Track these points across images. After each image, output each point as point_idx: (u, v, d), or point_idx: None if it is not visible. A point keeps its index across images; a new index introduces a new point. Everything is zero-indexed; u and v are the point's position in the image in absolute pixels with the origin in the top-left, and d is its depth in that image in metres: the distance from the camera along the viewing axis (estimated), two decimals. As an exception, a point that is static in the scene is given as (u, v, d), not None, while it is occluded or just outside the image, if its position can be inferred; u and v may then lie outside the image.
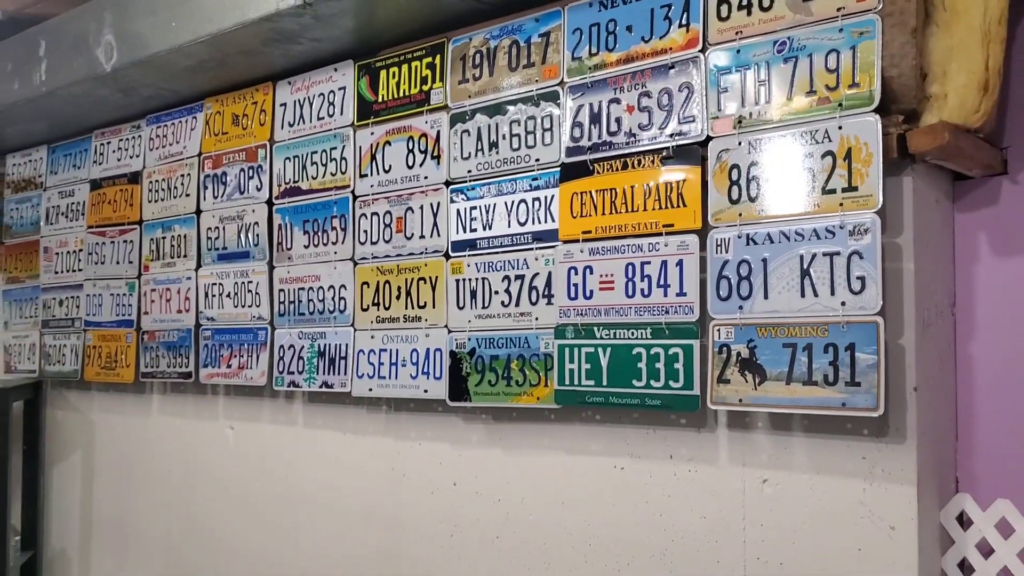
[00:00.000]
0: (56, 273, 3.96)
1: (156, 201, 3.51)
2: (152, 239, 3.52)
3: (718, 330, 2.06)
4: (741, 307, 2.03)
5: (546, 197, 2.38)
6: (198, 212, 3.34)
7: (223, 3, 2.73)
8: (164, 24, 2.93)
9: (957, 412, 2.12)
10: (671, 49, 2.17)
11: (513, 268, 2.44)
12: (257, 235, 3.13)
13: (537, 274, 2.39)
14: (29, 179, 4.14)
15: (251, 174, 3.17)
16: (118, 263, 3.66)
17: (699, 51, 2.13)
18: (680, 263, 2.13)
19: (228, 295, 3.22)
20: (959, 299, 2.12)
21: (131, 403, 3.76)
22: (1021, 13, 2.06)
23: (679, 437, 2.24)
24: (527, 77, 2.44)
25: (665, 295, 2.15)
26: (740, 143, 2.05)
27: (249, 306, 3.16)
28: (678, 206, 2.14)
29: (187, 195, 3.39)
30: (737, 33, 2.07)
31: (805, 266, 1.94)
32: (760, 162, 2.02)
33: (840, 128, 1.90)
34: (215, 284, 3.27)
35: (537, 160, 2.41)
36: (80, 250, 3.84)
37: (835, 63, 1.92)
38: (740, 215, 2.04)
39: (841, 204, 1.90)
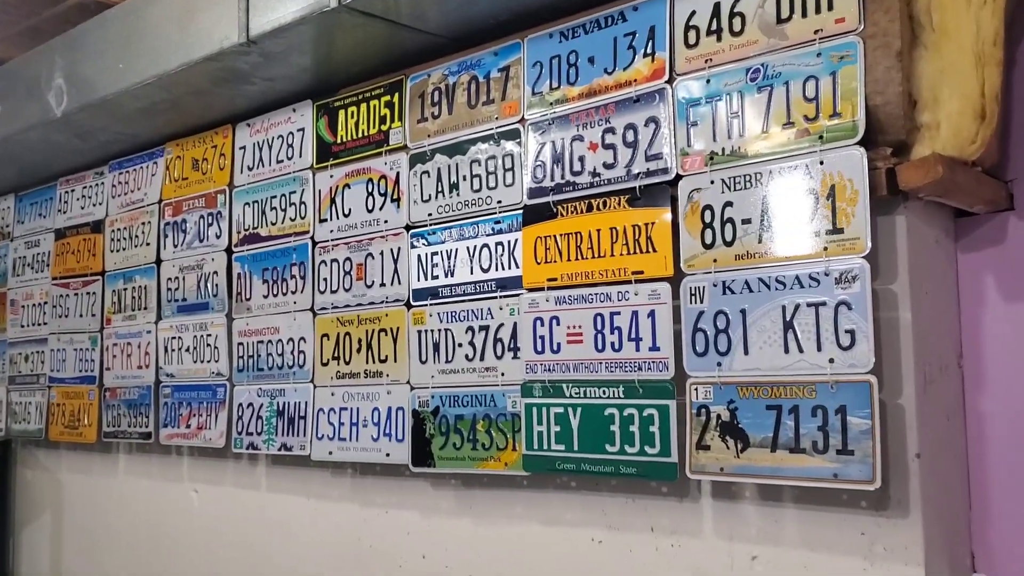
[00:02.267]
0: (23, 327, 3.80)
1: (118, 251, 3.34)
2: (114, 290, 3.35)
3: (695, 389, 1.85)
4: (720, 364, 1.82)
5: (509, 241, 2.19)
6: (158, 262, 3.17)
7: (168, 44, 2.57)
8: (112, 66, 2.77)
9: (969, 478, 1.88)
10: (636, 81, 1.98)
11: (477, 318, 2.24)
12: (216, 285, 2.95)
13: (502, 325, 2.19)
14: (-3, 229, 3.99)
15: (211, 221, 2.99)
16: (81, 316, 3.49)
17: (665, 82, 1.94)
18: (652, 314, 1.92)
19: (187, 349, 3.04)
20: (966, 350, 1.90)
21: (98, 463, 3.57)
22: (1020, 34, 1.86)
23: (660, 507, 2.01)
24: (487, 114, 2.26)
25: (637, 349, 1.94)
26: (713, 181, 1.85)
27: (208, 361, 2.97)
28: (648, 251, 1.93)
29: (147, 244, 3.22)
30: (707, 61, 1.88)
31: (788, 318, 1.73)
32: (736, 202, 1.81)
33: (822, 163, 1.70)
34: (174, 338, 3.08)
35: (499, 202, 2.22)
36: (45, 302, 3.68)
37: (814, 91, 1.73)
38: (715, 261, 1.83)
39: (825, 248, 1.69)
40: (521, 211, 2.17)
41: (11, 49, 3.32)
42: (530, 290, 2.14)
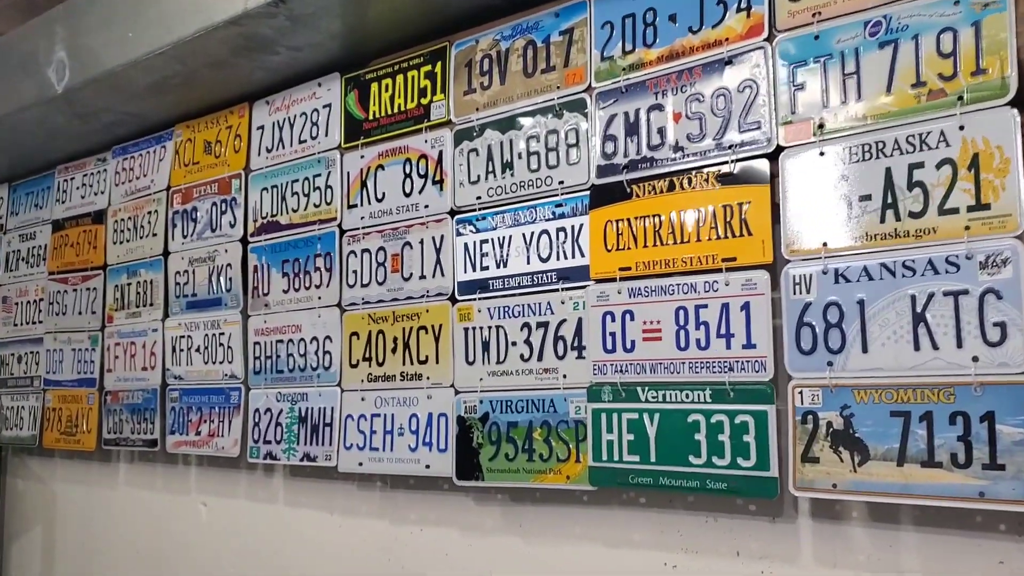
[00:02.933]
0: (16, 325, 3.52)
1: (121, 243, 3.08)
2: (117, 286, 3.08)
3: (800, 392, 1.60)
4: (831, 363, 1.57)
5: (573, 227, 1.94)
6: (166, 254, 2.91)
7: (183, 7, 2.32)
8: (119, 36, 2.52)
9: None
10: (727, 40, 1.74)
11: (534, 313, 1.99)
12: (230, 279, 2.69)
13: (564, 321, 1.94)
14: (-12, 221, 3.72)
15: (224, 208, 2.73)
16: (80, 313, 3.22)
17: (764, 40, 1.69)
18: (746, 306, 1.67)
19: (198, 349, 2.77)
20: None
21: (95, 473, 3.29)
22: None
23: (748, 528, 1.76)
24: (547, 83, 2.01)
25: (728, 347, 1.69)
26: (823, 153, 1.60)
27: (220, 362, 2.70)
28: (742, 235, 1.69)
29: (154, 235, 2.95)
30: (815, 15, 1.63)
31: (919, 309, 1.48)
32: (851, 176, 1.57)
33: (962, 128, 1.46)
34: (184, 337, 2.82)
35: (561, 183, 1.96)
36: (41, 299, 3.41)
37: (951, 46, 1.48)
38: (825, 245, 1.59)
39: (967, 227, 1.44)
40: (588, 192, 1.92)
41: (3, 24, 3.05)
42: (598, 281, 1.88)
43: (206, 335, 2.74)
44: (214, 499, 2.87)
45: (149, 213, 2.98)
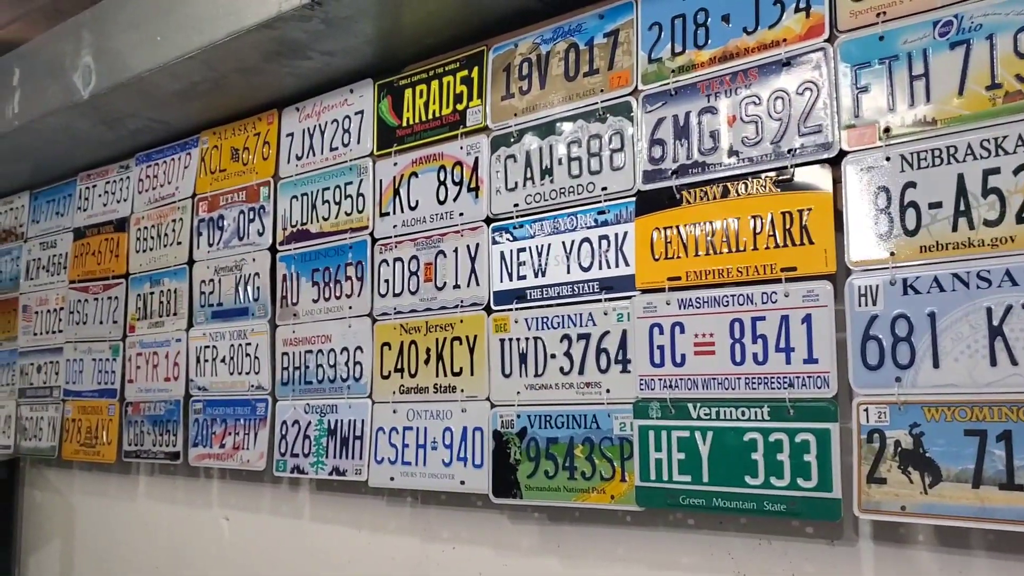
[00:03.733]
0: (35, 335, 3.47)
1: (144, 251, 3.02)
2: (139, 295, 3.02)
3: (865, 410, 1.52)
4: (899, 379, 1.49)
5: (617, 235, 1.86)
6: (190, 262, 2.85)
7: (215, 10, 2.26)
8: (148, 40, 2.47)
9: None
10: (785, 41, 1.67)
11: (575, 325, 1.91)
12: (258, 288, 2.63)
13: (607, 332, 1.86)
14: (10, 229, 3.67)
15: (252, 216, 2.68)
16: (101, 323, 3.17)
17: (825, 41, 1.62)
18: (807, 319, 1.59)
19: (223, 360, 2.71)
20: None
21: (115, 485, 3.23)
22: None
23: (805, 552, 1.68)
24: (589, 87, 1.94)
25: (788, 362, 1.61)
26: (889, 158, 1.53)
27: (247, 373, 2.64)
28: (802, 243, 1.61)
29: (178, 243, 2.90)
30: (879, 15, 1.56)
31: (995, 323, 1.40)
32: (920, 183, 1.49)
33: (1042, 132, 1.38)
34: (208, 347, 2.75)
35: (604, 189, 1.89)
36: (61, 308, 3.35)
37: (1029, 45, 1.41)
38: (892, 254, 1.51)
39: (1049, 236, 1.37)
40: (633, 198, 1.84)
41: (29, 29, 3.01)
42: (645, 291, 1.81)
43: (232, 345, 2.68)
44: (237, 514, 2.79)
45: (173, 221, 2.92)
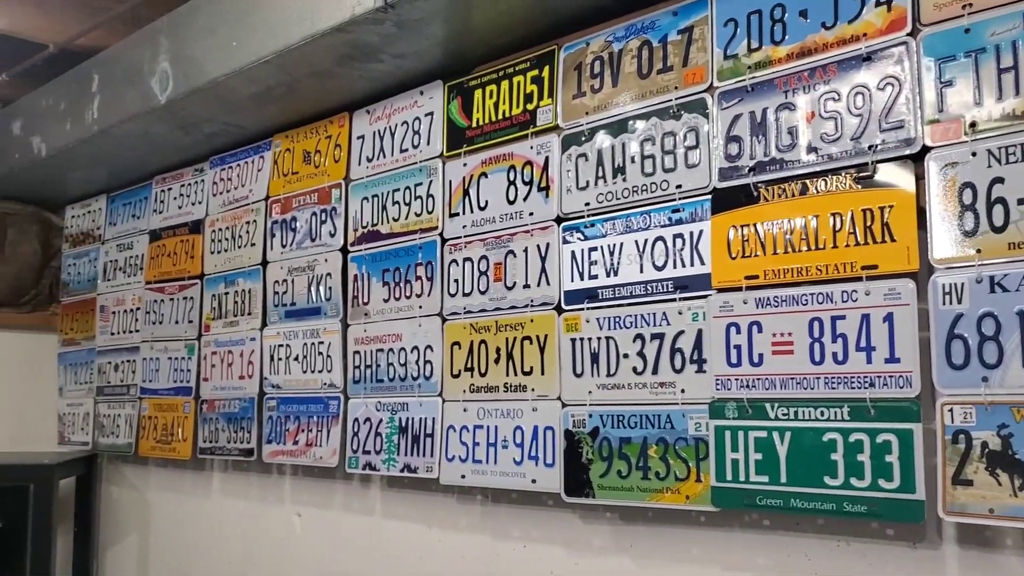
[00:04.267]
0: (112, 334, 3.57)
1: (219, 252, 3.09)
2: (214, 295, 3.09)
3: (950, 411, 1.49)
4: (986, 379, 1.45)
5: (692, 233, 1.85)
6: (264, 263, 2.91)
7: (289, 15, 2.31)
8: (224, 45, 2.52)
9: None
10: (866, 35, 1.64)
11: (648, 324, 1.91)
12: (330, 288, 2.67)
13: (681, 332, 1.85)
14: (87, 232, 3.79)
15: (324, 218, 2.72)
16: (177, 322, 3.25)
17: (907, 35, 1.59)
18: (889, 318, 1.57)
19: (296, 358, 2.76)
20: None
21: (189, 481, 3.31)
22: None
23: (886, 554, 1.65)
24: (663, 84, 1.93)
25: (869, 361, 1.58)
26: (975, 153, 1.49)
27: (319, 371, 2.68)
28: (883, 241, 1.58)
29: (252, 244, 2.96)
30: (965, 7, 1.52)
31: (1090, 321, 1.36)
32: (1009, 178, 1.46)
33: None
34: (282, 345, 2.81)
35: (678, 187, 1.89)
36: (137, 308, 3.45)
37: (1125, 34, 1.37)
38: (979, 251, 1.47)
39: None
40: (709, 196, 1.83)
41: (108, 37, 3.10)
42: (721, 290, 1.80)
43: (305, 344, 2.73)
44: (309, 509, 2.84)
45: (247, 223, 2.98)
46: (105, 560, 3.70)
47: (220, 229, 3.09)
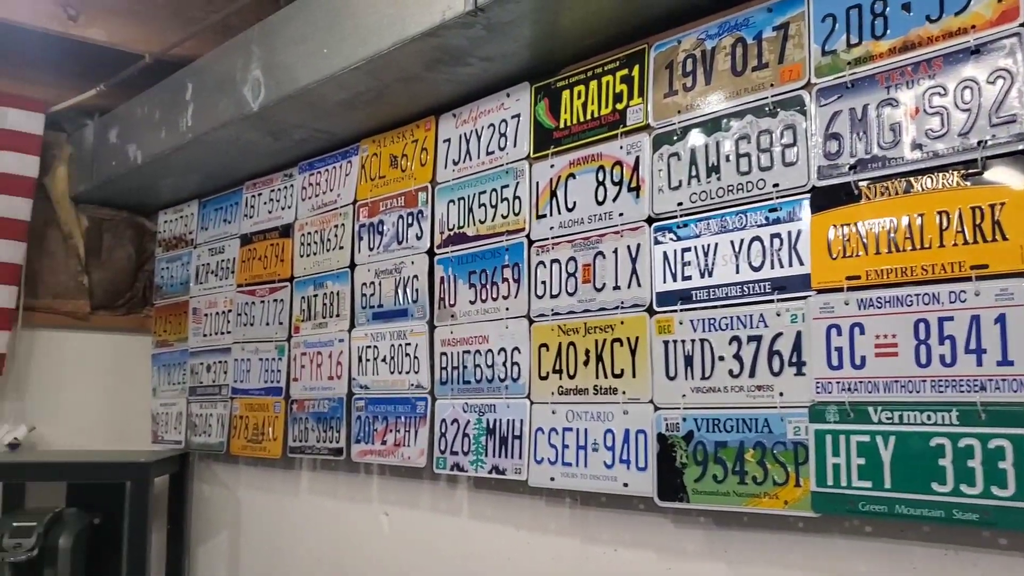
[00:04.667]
0: (205, 336, 3.67)
1: (308, 256, 3.15)
2: (303, 297, 3.16)
3: (1070, 416, 1.42)
4: (1109, 383, 1.39)
5: (790, 232, 1.82)
6: (352, 266, 2.95)
7: (379, 21, 2.34)
8: (314, 52, 2.57)
9: None
10: (974, 27, 1.59)
11: (744, 326, 1.88)
12: (416, 290, 2.70)
13: (780, 334, 1.82)
14: (180, 236, 3.90)
15: (410, 221, 2.75)
16: (267, 324, 3.32)
17: (1020, 25, 1.53)
18: (1001, 319, 1.51)
19: (384, 359, 2.79)
20: None
21: (279, 480, 3.38)
22: None
23: (998, 564, 1.59)
24: (758, 81, 1.90)
25: (979, 364, 1.53)
26: (1095, 147, 1.43)
27: (406, 372, 2.71)
28: (993, 240, 1.53)
29: (340, 248, 3.01)
30: (1082, -6, 1.46)
31: None
32: None
33: None
34: (370, 347, 2.85)
35: (775, 185, 1.85)
36: (229, 311, 3.54)
37: None
38: (1100, 249, 1.41)
39: None
40: (808, 195, 1.80)
41: (200, 46, 3.19)
42: (821, 291, 1.76)
43: (392, 345, 2.76)
44: (396, 509, 2.87)
45: (335, 227, 3.04)
46: (197, 556, 3.80)
47: (309, 233, 3.15)
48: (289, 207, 3.27)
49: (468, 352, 2.53)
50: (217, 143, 3.15)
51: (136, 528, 3.28)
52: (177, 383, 3.81)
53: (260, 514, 3.48)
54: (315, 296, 3.09)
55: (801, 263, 1.79)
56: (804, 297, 1.78)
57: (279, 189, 3.34)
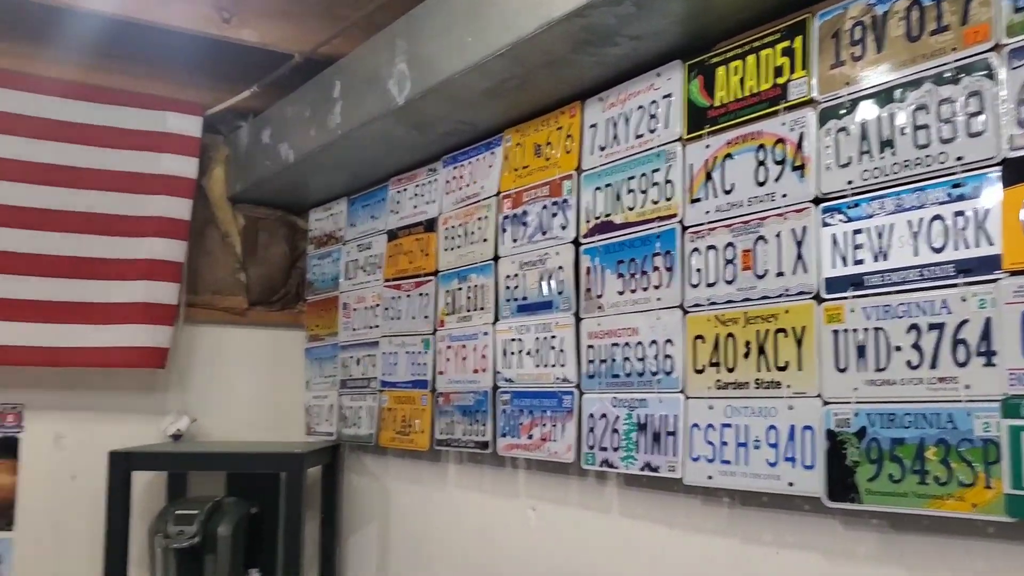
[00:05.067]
0: (354, 330, 3.73)
1: (452, 249, 3.15)
2: (448, 291, 3.15)
3: None
4: None
5: (976, 210, 1.65)
6: (495, 258, 2.92)
7: (523, 4, 2.29)
8: (458, 41, 2.55)
9: None
10: None
11: (924, 313, 1.72)
12: (561, 281, 2.63)
13: (965, 321, 1.65)
14: (330, 233, 3.99)
15: (555, 211, 2.69)
16: (413, 318, 3.34)
17: None
18: None
19: (529, 352, 2.74)
20: None
21: (426, 472, 3.39)
22: None
23: None
24: (938, 46, 1.74)
25: None
26: None
27: (552, 365, 2.65)
28: None
29: (484, 240, 2.98)
30: None
31: None
32: None
33: None
34: (514, 340, 2.80)
35: (959, 159, 1.68)
36: (377, 305, 3.58)
37: None
38: None
39: None
40: (998, 168, 1.62)
41: (347, 44, 3.23)
42: (1014, 273, 1.58)
43: (537, 338, 2.71)
44: (543, 504, 2.82)
45: (479, 219, 3.01)
46: (348, 546, 3.87)
47: (453, 226, 3.15)
48: (433, 201, 3.28)
49: (617, 345, 2.44)
50: (364, 139, 3.18)
51: (291, 518, 3.37)
52: (329, 376, 3.90)
53: (408, 505, 3.50)
54: (459, 289, 3.08)
55: (990, 243, 1.62)
56: (994, 280, 1.61)
57: (423, 184, 3.35)
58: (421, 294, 3.29)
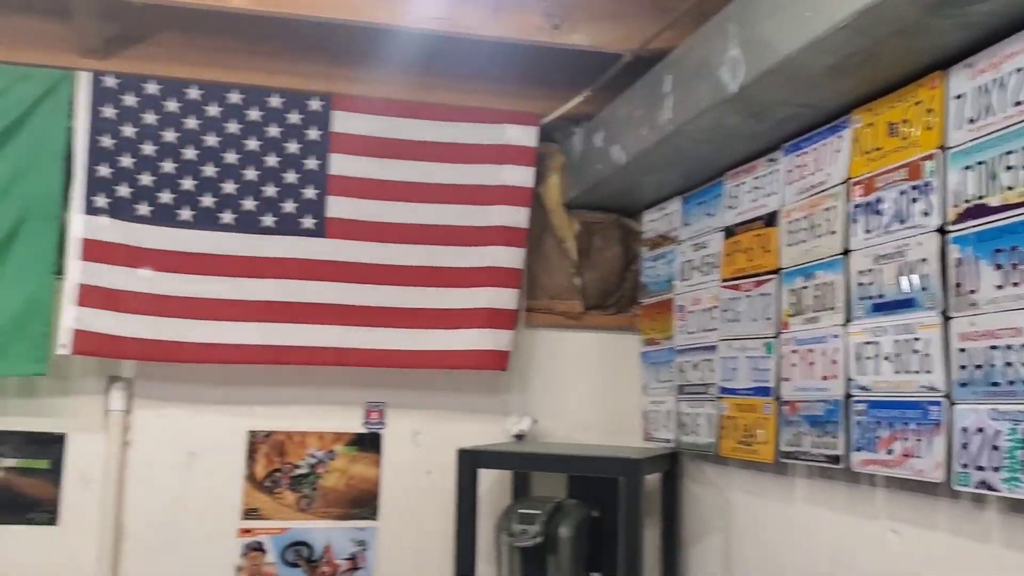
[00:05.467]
0: (689, 333, 3.62)
1: (795, 244, 2.92)
2: (792, 290, 2.92)
3: None
4: None
5: None
6: (846, 252, 2.65)
7: (869, -35, 2.04)
8: (795, 18, 2.34)
9: None
10: None
11: None
12: (925, 275, 2.32)
13: None
14: (664, 234, 3.91)
15: (915, 196, 2.38)
16: (754, 320, 3.14)
17: None
18: None
19: (886, 357, 2.45)
20: None
21: (771, 485, 3.18)
22: None
23: None
24: None
25: None
26: None
27: (915, 372, 2.34)
28: None
29: (831, 233, 2.72)
30: None
31: None
32: None
33: None
34: (869, 343, 2.52)
35: None
36: (713, 307, 3.43)
37: None
38: None
39: None
40: None
41: (675, 37, 3.13)
42: None
43: (896, 340, 2.41)
44: (906, 528, 2.50)
45: (825, 210, 2.76)
46: (690, 556, 3.75)
47: (796, 219, 2.91)
48: (774, 193, 3.06)
49: (996, 348, 2.09)
50: (696, 132, 3.06)
51: (630, 523, 3.31)
52: (665, 381, 3.81)
53: (752, 519, 3.31)
54: (804, 288, 2.84)
55: None
56: None
57: (762, 175, 3.15)
58: (762, 294, 3.09)
